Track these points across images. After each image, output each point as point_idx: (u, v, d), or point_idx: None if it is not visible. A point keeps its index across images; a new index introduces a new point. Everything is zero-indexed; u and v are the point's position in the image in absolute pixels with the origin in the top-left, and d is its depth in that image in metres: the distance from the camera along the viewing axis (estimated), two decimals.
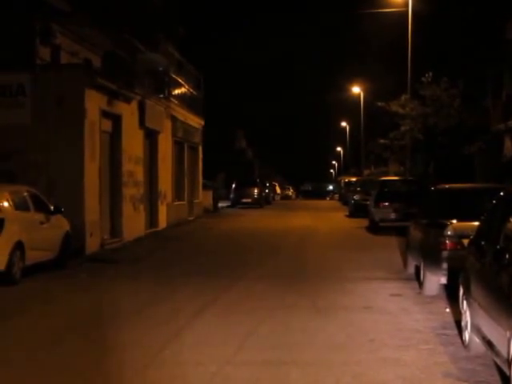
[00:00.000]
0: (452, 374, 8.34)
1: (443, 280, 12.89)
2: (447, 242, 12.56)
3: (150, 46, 31.15)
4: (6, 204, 15.42)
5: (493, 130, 35.75)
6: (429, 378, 8.22)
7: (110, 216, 23.99)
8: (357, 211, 38.87)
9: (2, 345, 9.83)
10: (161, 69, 31.99)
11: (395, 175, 42.96)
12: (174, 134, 33.50)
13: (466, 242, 11.46)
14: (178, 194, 34.74)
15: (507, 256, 7.40)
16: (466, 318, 9.26)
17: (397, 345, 9.69)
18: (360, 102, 67.48)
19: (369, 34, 56.40)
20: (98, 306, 12.94)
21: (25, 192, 16.71)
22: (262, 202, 55.29)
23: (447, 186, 16.09)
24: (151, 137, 29.44)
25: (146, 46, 30.60)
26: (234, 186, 55.64)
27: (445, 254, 12.55)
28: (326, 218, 40.57)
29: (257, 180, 59.88)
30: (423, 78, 36.19)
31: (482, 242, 8.87)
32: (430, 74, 36.06)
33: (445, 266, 12.58)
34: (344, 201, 57.56)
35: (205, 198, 43.30)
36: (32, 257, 15.91)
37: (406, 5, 38.39)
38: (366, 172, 66.71)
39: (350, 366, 8.61)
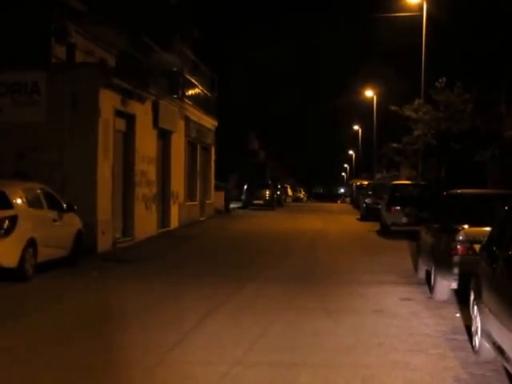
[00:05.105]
0: (462, 379, 8.34)
1: (454, 285, 12.88)
2: (459, 247, 12.55)
3: (164, 46, 31.21)
4: (19, 201, 15.50)
5: (506, 136, 35.62)
6: (438, 383, 8.23)
7: (122, 215, 24.07)
8: (368, 215, 38.96)
9: (13, 342, 9.87)
10: (175, 69, 32.02)
11: (407, 179, 42.92)
12: (187, 135, 33.58)
13: (477, 247, 11.48)
14: (190, 194, 34.81)
15: None
16: (477, 323, 9.26)
17: (407, 349, 9.70)
18: (373, 105, 67.47)
19: (383, 38, 56.38)
20: (108, 305, 12.98)
21: (38, 189, 16.78)
22: (274, 204, 55.27)
23: (459, 191, 16.07)
24: (164, 137, 29.51)
25: (160, 47, 30.67)
26: (245, 187, 55.66)
27: (456, 259, 12.55)
28: (337, 221, 40.59)
29: (269, 182, 59.90)
30: (437, 83, 36.13)
31: (494, 248, 8.87)
32: (444, 78, 36.00)
33: (456, 270, 12.58)
34: (355, 204, 57.63)
35: (217, 198, 43.34)
36: (44, 254, 15.98)
37: (421, 9, 38.36)
38: (378, 176, 66.62)
39: (360, 369, 8.63)
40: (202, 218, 36.84)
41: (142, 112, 25.47)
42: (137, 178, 24.83)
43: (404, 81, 47.37)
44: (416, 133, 37.89)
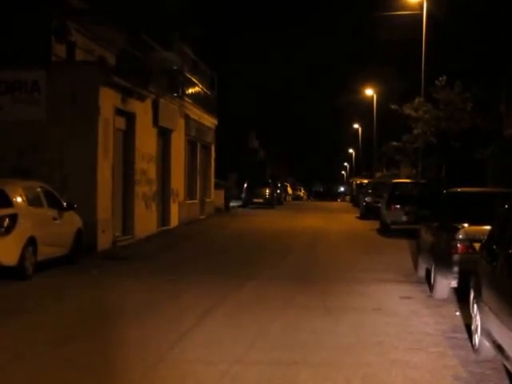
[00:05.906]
0: (461, 377, 8.35)
1: (454, 283, 12.90)
2: (459, 245, 12.56)
3: (164, 44, 31.20)
4: (19, 199, 15.51)
5: (506, 134, 35.62)
6: (438, 381, 8.23)
7: (122, 213, 24.08)
8: (368, 213, 38.98)
9: (13, 340, 9.88)
10: (175, 68, 32.07)
11: (407, 178, 42.92)
12: (187, 133, 33.59)
13: (477, 245, 11.48)
14: (190, 192, 34.83)
15: None
16: (477, 321, 9.27)
17: (406, 347, 9.70)
18: (373, 104, 67.46)
19: (383, 37, 56.32)
20: (108, 303, 12.98)
21: (38, 188, 16.79)
22: (274, 203, 55.25)
23: (459, 190, 16.07)
24: (164, 135, 29.52)
25: (160, 45, 30.66)
26: (245, 185, 55.61)
27: (456, 257, 12.55)
28: (337, 220, 40.57)
29: (269, 180, 59.88)
30: (437, 82, 36.12)
31: (494, 246, 8.87)
32: (444, 77, 35.99)
33: (456, 269, 12.59)
34: (355, 203, 57.63)
35: (217, 197, 43.35)
36: (44, 252, 15.99)
37: (421, 7, 38.35)
38: (378, 174, 66.62)
39: (360, 368, 8.63)
40: (201, 217, 36.85)
41: (142, 110, 25.48)
42: (137, 176, 24.84)
43: (404, 79, 47.36)
44: (416, 131, 37.88)
